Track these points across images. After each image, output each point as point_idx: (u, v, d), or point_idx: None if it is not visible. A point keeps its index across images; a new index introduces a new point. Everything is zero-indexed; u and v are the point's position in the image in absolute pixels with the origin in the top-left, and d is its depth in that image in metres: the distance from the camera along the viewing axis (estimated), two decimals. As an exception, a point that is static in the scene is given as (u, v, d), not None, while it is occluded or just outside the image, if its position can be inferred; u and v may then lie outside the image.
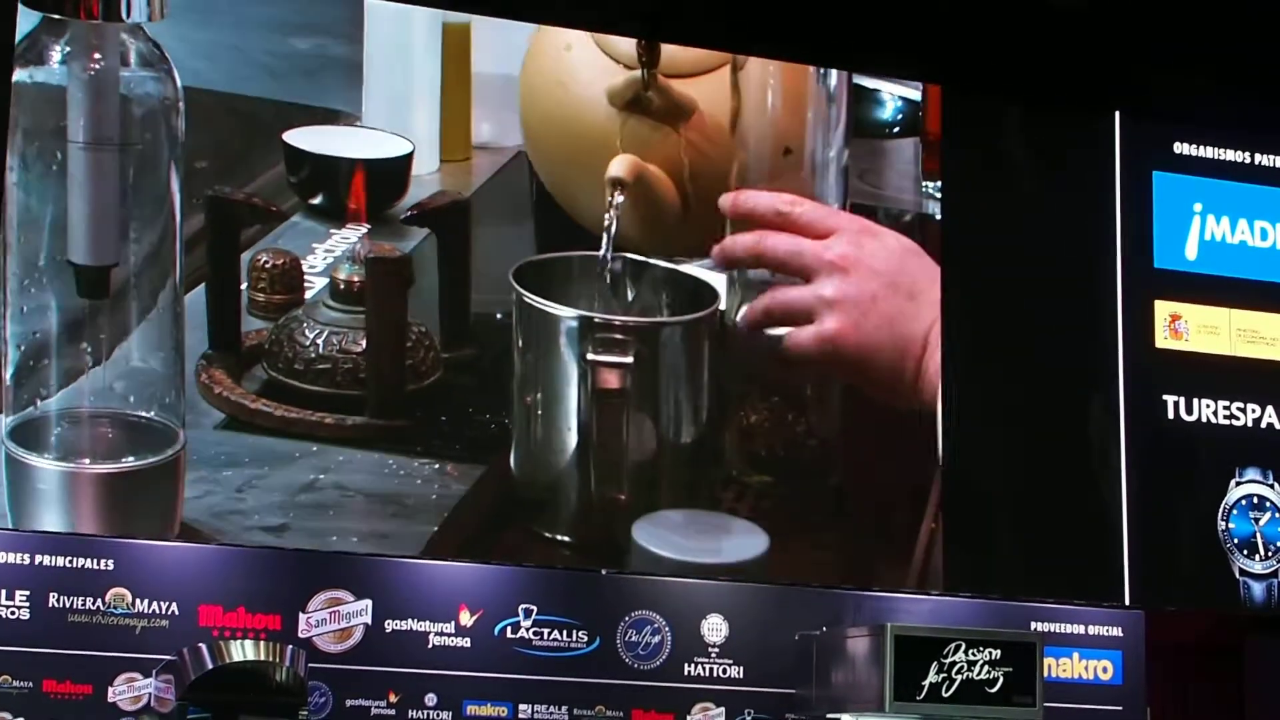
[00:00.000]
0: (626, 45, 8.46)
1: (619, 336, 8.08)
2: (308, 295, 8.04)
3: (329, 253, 8.14)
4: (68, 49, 7.63)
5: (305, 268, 8.06)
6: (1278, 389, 9.32)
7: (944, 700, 7.94)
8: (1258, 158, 9.58)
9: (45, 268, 7.59)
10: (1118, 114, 9.32)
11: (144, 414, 7.68)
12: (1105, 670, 8.88)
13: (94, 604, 7.71)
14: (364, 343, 7.98)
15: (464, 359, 8.22)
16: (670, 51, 8.47)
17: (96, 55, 7.59)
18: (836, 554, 8.58)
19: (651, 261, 8.39)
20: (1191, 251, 9.35)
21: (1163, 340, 9.20)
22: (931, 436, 8.71)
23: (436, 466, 8.03)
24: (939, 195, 9.04)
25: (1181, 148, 9.43)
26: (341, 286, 8.04)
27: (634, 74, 8.40)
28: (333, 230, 8.18)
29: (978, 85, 9.17)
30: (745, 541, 8.34)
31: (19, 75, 7.62)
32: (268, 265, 8.00)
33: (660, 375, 8.19)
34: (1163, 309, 9.23)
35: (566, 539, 8.21)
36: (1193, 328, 9.24)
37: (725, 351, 8.39)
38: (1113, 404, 9.04)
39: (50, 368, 7.62)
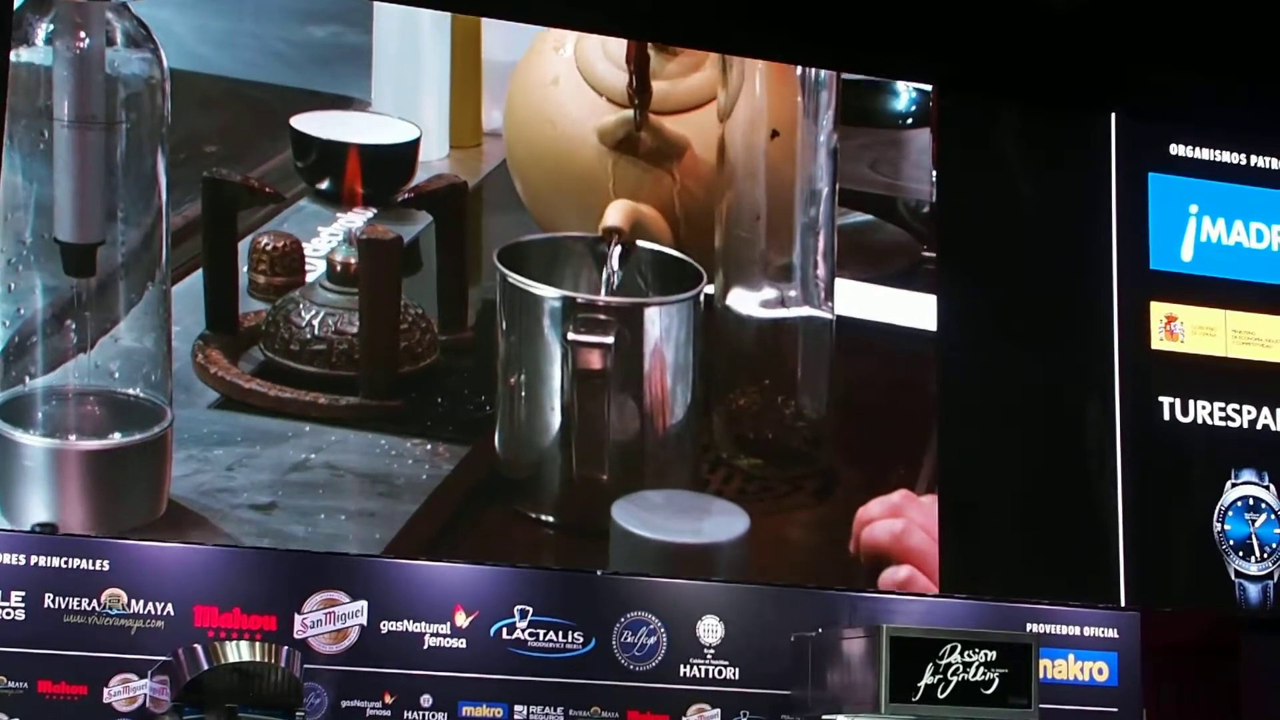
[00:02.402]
0: (614, 80, 8.47)
1: (601, 317, 8.13)
2: (308, 278, 8.08)
3: (333, 236, 8.20)
4: (52, 27, 7.69)
5: (309, 251, 8.10)
6: (1273, 390, 9.32)
7: (939, 702, 7.94)
8: (1253, 159, 9.59)
9: (32, 246, 7.64)
10: (1114, 115, 9.33)
11: (131, 391, 7.72)
12: (1101, 672, 8.87)
13: (89, 604, 7.69)
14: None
15: (461, 342, 8.25)
16: (661, 88, 8.48)
17: (81, 34, 7.64)
18: (823, 536, 8.58)
19: (638, 243, 8.41)
20: (1187, 253, 9.36)
21: (1158, 342, 9.20)
22: (922, 421, 8.77)
23: (428, 447, 8.07)
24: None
25: (1177, 149, 9.44)
26: (337, 268, 8.10)
27: (625, 113, 8.42)
28: (338, 214, 8.23)
29: (974, 85, 9.17)
30: (725, 522, 8.35)
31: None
32: (268, 248, 8.05)
33: (643, 356, 8.21)
34: (1158, 310, 9.23)
35: (549, 518, 8.24)
36: (1188, 329, 9.25)
37: (715, 334, 8.41)
38: (1108, 405, 9.04)
39: (38, 346, 7.66)
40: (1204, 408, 9.20)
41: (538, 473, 8.24)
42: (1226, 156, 9.53)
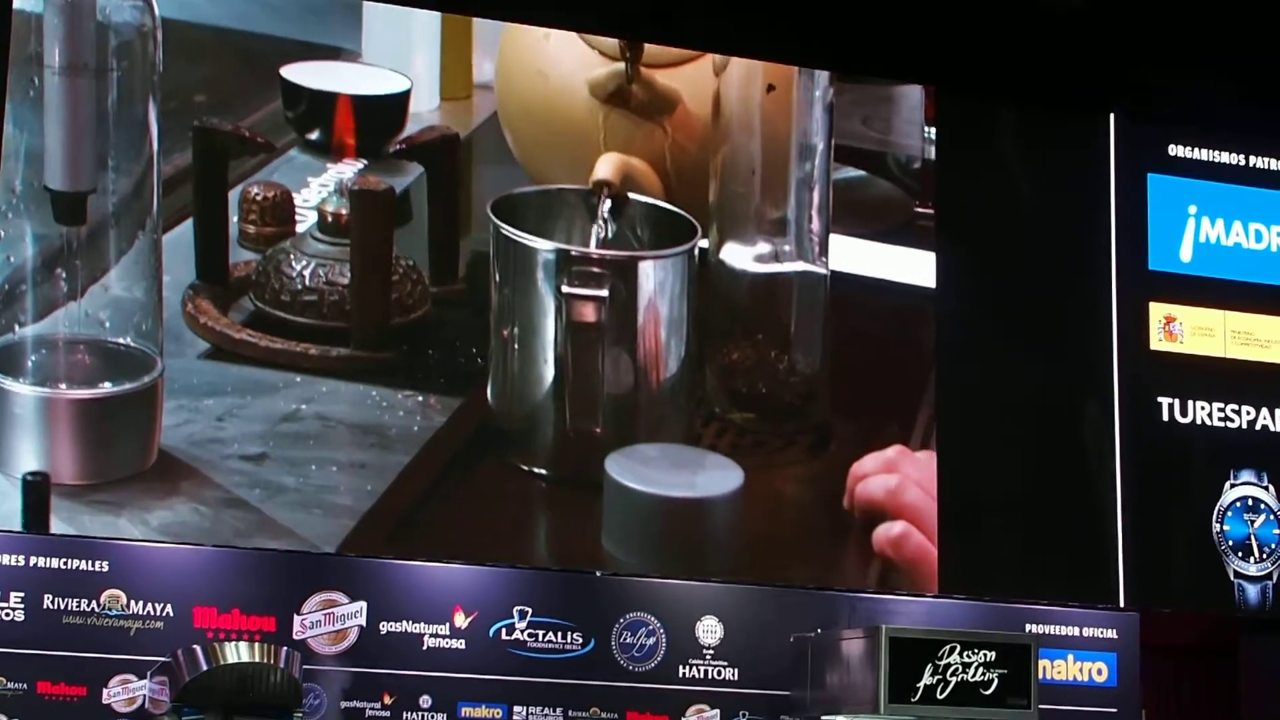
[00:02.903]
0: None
1: (595, 270, 8.13)
2: (299, 229, 8.09)
3: (324, 187, 8.21)
4: (44, -26, 7.67)
5: (299, 202, 8.12)
6: (1272, 391, 9.33)
7: (939, 702, 7.93)
8: (1252, 160, 9.59)
9: (23, 194, 7.65)
10: (1113, 116, 9.33)
11: (121, 340, 7.73)
12: (1100, 672, 8.87)
13: (89, 605, 7.69)
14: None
15: (453, 294, 8.26)
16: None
17: None
18: (816, 491, 8.58)
19: (632, 196, 8.40)
20: (1186, 253, 9.36)
21: (1157, 342, 9.20)
22: (915, 376, 8.80)
23: (420, 399, 8.09)
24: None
25: (1176, 150, 9.44)
26: (329, 219, 8.12)
27: (617, 66, 8.41)
28: (328, 165, 8.25)
29: (973, 86, 9.17)
30: (719, 476, 8.34)
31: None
32: (259, 198, 8.07)
33: (637, 309, 8.20)
34: (1157, 311, 9.24)
35: (542, 471, 8.23)
36: (1187, 330, 9.25)
37: (709, 289, 8.40)
38: (1107, 406, 9.04)
39: (28, 294, 7.67)
40: (1203, 408, 9.20)
41: (531, 425, 8.23)
42: (1225, 157, 9.54)
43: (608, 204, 8.31)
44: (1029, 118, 9.28)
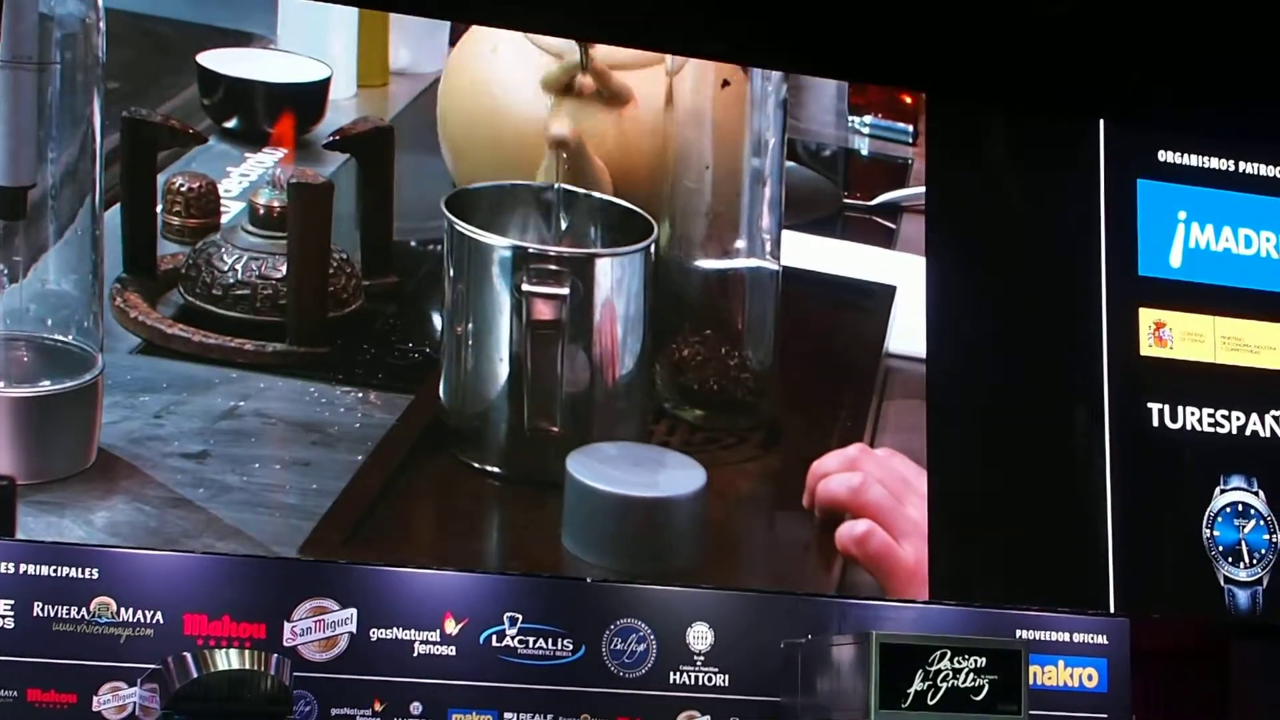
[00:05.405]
0: (559, 39, 8.41)
1: (554, 268, 8.02)
2: (224, 220, 8.01)
3: (244, 177, 8.12)
4: (-16, -34, 7.59)
5: (221, 192, 8.02)
6: (1262, 396, 9.34)
7: (929, 708, 7.94)
8: (1241, 165, 9.61)
9: None
10: (1102, 122, 9.34)
11: (61, 338, 7.63)
12: (1090, 678, 8.88)
13: (78, 613, 7.68)
14: (284, 269, 7.95)
15: (386, 287, 8.20)
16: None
17: None
18: (769, 487, 8.56)
19: (585, 192, 8.35)
20: (1176, 259, 9.38)
21: (1147, 348, 9.22)
22: (864, 371, 8.79)
23: (359, 395, 8.01)
24: (865, 130, 9.13)
25: (1166, 155, 9.46)
26: (261, 211, 8.00)
27: (571, 60, 8.34)
28: (247, 154, 8.16)
29: (963, 92, 9.18)
30: (681, 475, 8.27)
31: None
32: (183, 189, 7.97)
33: (595, 307, 8.11)
34: (1147, 316, 9.25)
35: (496, 470, 8.14)
36: (1177, 335, 9.26)
37: (660, 284, 8.34)
38: (1097, 412, 9.05)
39: None
40: (1193, 414, 9.22)
41: (485, 423, 8.12)
42: (1215, 163, 9.55)
43: (565, 160, 8.20)
44: (1019, 124, 9.29)
